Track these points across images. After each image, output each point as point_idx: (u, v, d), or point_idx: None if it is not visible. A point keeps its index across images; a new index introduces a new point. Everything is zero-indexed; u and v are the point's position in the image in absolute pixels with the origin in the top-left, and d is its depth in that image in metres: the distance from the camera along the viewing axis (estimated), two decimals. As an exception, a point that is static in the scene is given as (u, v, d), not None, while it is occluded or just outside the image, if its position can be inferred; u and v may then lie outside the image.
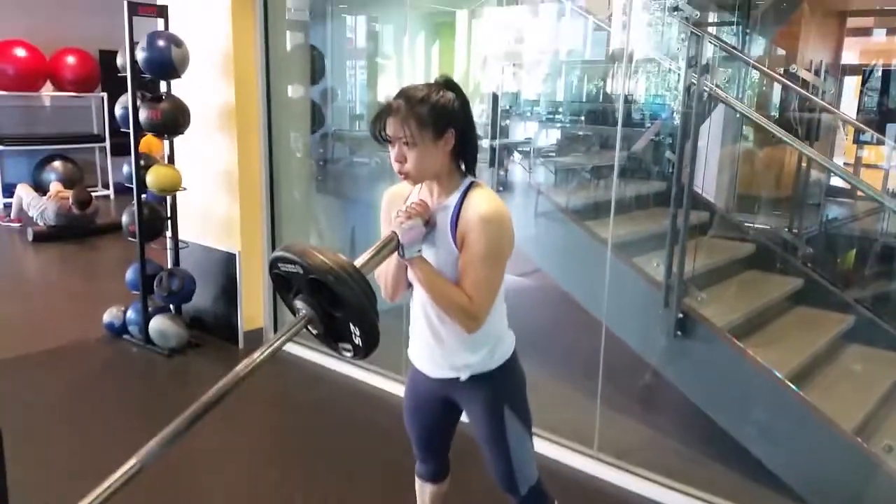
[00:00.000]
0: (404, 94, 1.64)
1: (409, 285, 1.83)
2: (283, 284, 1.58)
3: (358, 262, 1.55)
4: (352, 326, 1.50)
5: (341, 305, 1.47)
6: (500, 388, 1.82)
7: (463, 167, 1.73)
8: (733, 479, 2.83)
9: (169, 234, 4.14)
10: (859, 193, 5.59)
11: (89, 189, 7.71)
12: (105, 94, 8.91)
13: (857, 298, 3.79)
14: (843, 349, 3.49)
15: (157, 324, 4.03)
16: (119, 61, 3.86)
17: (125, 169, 4.02)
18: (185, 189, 3.97)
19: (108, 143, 9.18)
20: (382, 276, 1.80)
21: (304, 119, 4.45)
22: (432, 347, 1.82)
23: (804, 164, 5.26)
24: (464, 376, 1.80)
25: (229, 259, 4.15)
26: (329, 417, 3.42)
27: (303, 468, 2.98)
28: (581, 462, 2.91)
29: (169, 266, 4.17)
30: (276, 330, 4.34)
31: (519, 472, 1.85)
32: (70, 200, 6.90)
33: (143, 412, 3.46)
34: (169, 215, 4.09)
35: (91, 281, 6.10)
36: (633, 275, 3.12)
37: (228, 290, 4.20)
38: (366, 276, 1.51)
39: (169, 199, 4.10)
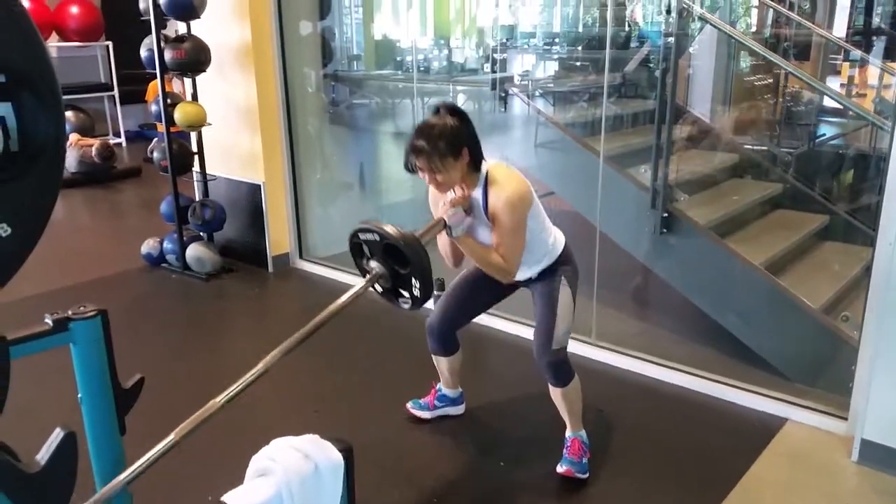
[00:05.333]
0: (423, 133, 2.14)
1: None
2: (359, 251, 2.07)
3: (417, 234, 2.04)
4: (413, 280, 1.97)
5: (408, 264, 1.95)
6: (560, 264, 2.40)
7: (477, 161, 2.23)
8: (716, 357, 3.23)
9: (197, 168, 4.48)
10: (851, 113, 5.87)
11: (99, 137, 8.04)
12: (110, 43, 9.11)
13: (834, 202, 4.14)
14: (817, 245, 3.86)
15: (194, 251, 4.41)
16: (141, 5, 4.11)
17: (153, 108, 4.33)
18: (210, 124, 4.28)
19: (116, 92, 9.41)
20: (444, 252, 2.40)
21: (315, 54, 4.73)
22: None
23: (786, 85, 5.52)
24: (534, 276, 2.42)
25: (255, 190, 4.50)
26: (364, 326, 3.77)
27: (323, 367, 3.37)
28: (582, 348, 3.31)
29: (199, 198, 4.52)
30: (300, 254, 4.73)
31: (557, 332, 2.32)
32: (94, 153, 7.19)
33: (195, 325, 3.89)
34: (196, 150, 4.42)
35: (120, 220, 6.49)
36: (624, 181, 3.46)
37: (255, 219, 4.56)
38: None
39: (194, 135, 4.42)
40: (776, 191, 4.13)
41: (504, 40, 5.89)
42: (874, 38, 5.93)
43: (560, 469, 2.39)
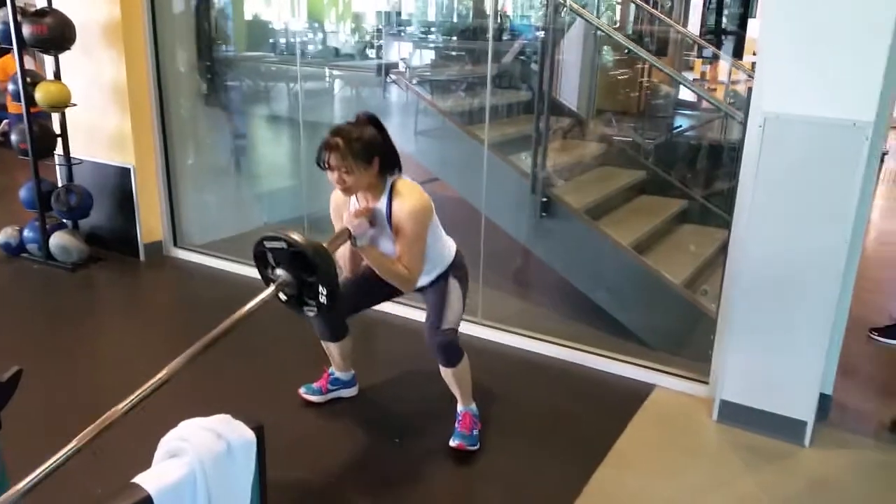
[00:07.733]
0: (340, 133, 2.23)
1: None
2: (263, 260, 2.09)
3: (325, 244, 2.09)
4: (320, 288, 2.01)
5: (315, 272, 1.98)
6: (452, 268, 2.52)
7: (386, 172, 2.33)
8: (592, 331, 3.46)
9: (60, 151, 4.20)
10: (704, 105, 6.35)
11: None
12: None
13: (691, 188, 4.51)
14: (678, 227, 4.21)
15: (58, 239, 4.14)
16: (-6, -25, 3.80)
17: (10, 87, 4.01)
18: (74, 105, 4.03)
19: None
20: (342, 260, 2.47)
21: (188, 33, 4.55)
22: None
23: (651, 78, 5.92)
24: (427, 283, 2.52)
25: (124, 173, 4.28)
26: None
27: (212, 355, 3.29)
28: (469, 328, 3.42)
29: (63, 183, 4.25)
30: (175, 242, 4.55)
31: (446, 314, 2.43)
32: None
33: (61, 318, 3.66)
34: (59, 132, 4.14)
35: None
36: (506, 168, 3.61)
37: (125, 205, 4.34)
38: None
39: (57, 116, 4.14)
40: (640, 177, 4.44)
41: (380, 27, 5.91)
42: (723, 37, 6.49)
43: (452, 443, 2.50)
